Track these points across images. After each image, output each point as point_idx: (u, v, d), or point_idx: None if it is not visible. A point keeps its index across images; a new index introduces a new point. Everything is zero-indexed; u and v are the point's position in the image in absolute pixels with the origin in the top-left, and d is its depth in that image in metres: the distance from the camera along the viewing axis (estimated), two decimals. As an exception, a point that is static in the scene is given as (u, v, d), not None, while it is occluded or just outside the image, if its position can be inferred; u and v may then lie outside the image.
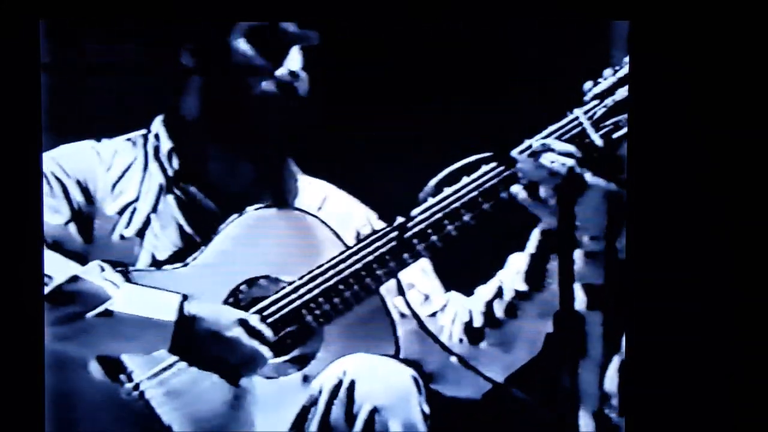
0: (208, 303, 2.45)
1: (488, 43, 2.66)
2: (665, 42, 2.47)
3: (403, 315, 2.54)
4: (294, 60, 2.52)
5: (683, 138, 2.50)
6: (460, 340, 2.57)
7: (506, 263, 2.55)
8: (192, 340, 2.42)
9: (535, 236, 2.51)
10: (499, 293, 2.54)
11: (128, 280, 2.46)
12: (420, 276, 2.58)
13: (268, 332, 2.46)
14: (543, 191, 2.43)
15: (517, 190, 2.43)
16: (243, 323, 2.44)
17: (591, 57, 2.54)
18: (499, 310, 2.54)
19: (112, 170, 2.57)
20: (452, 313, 2.59)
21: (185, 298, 2.43)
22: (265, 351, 2.45)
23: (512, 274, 2.53)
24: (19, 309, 2.46)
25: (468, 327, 2.57)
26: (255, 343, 2.44)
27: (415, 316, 2.53)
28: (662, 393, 2.49)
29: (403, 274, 2.50)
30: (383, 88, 2.67)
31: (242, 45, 2.52)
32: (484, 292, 2.57)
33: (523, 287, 2.52)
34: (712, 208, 2.50)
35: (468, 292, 2.59)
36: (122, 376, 2.46)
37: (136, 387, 2.46)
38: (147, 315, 2.41)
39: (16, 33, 2.46)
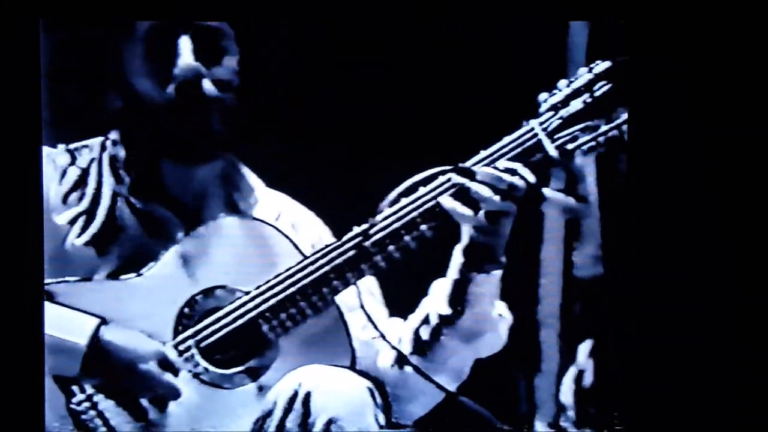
0: (129, 330, 2.44)
1: (444, 53, 2.67)
2: (660, 42, 2.50)
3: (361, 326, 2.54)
4: (186, 52, 2.50)
5: (681, 138, 2.52)
6: (391, 366, 2.56)
7: (429, 290, 2.54)
8: (103, 367, 2.41)
9: (456, 259, 2.49)
10: (425, 320, 2.53)
11: (50, 298, 2.45)
12: (367, 299, 2.57)
13: (185, 366, 2.44)
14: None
15: (446, 201, 2.43)
16: (160, 357, 2.43)
17: (547, 67, 2.56)
18: (425, 337, 2.53)
19: (65, 178, 2.56)
20: (390, 340, 2.58)
21: (104, 322, 2.42)
22: (178, 386, 2.43)
23: (436, 299, 2.52)
24: (19, 307, 2.47)
25: (398, 354, 2.55)
26: (168, 378, 2.43)
27: (375, 328, 2.52)
28: (662, 393, 2.51)
29: (361, 292, 2.50)
30: (342, 99, 2.68)
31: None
32: (412, 318, 2.56)
33: (447, 311, 2.51)
34: (711, 208, 2.53)
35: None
36: (74, 387, 2.44)
37: (89, 398, 2.44)
38: (59, 336, 2.40)
39: (16, 33, 2.46)
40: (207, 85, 2.49)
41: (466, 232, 2.45)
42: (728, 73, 2.53)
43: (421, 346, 2.52)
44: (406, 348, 2.53)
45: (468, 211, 2.41)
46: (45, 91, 2.52)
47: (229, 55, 2.52)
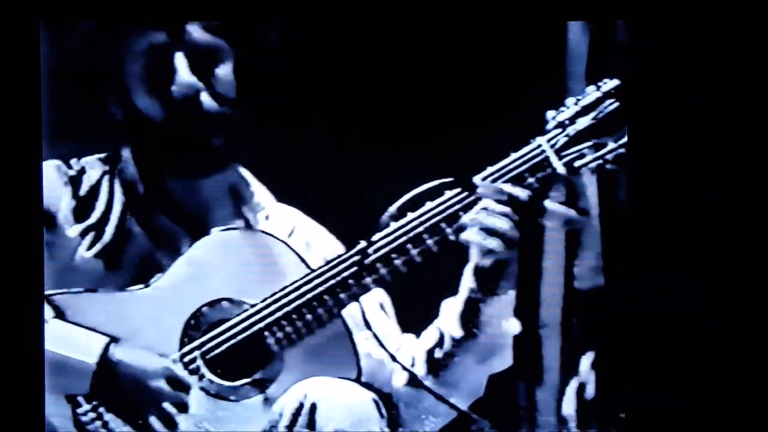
0: (137, 349, 2.44)
1: (452, 67, 2.67)
2: (663, 49, 2.52)
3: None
4: (182, 68, 2.51)
5: (680, 148, 2.54)
6: (405, 385, 2.57)
7: (440, 310, 2.55)
8: (113, 385, 2.41)
9: (467, 279, 2.51)
10: (439, 342, 2.54)
11: (60, 315, 2.45)
12: (378, 315, 2.58)
13: (193, 381, 2.45)
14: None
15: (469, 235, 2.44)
16: (168, 374, 2.44)
17: (553, 86, 2.56)
18: (439, 357, 2.54)
19: (77, 190, 2.56)
20: (403, 357, 2.58)
21: (114, 340, 2.42)
22: (187, 401, 2.45)
23: (449, 320, 2.53)
24: (19, 311, 2.46)
25: (411, 373, 2.56)
26: (179, 395, 2.44)
27: (384, 348, 2.52)
28: (663, 404, 2.53)
29: (365, 310, 2.51)
30: (348, 111, 2.67)
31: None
32: (425, 339, 2.56)
33: (459, 333, 2.52)
34: (711, 218, 2.54)
35: (427, 323, 2.60)
36: (79, 397, 2.45)
37: (95, 408, 2.45)
38: (68, 354, 2.40)
39: (16, 33, 2.45)
40: (205, 98, 2.50)
41: (475, 254, 2.46)
42: (727, 77, 2.54)
43: (435, 367, 2.53)
44: (420, 369, 2.55)
45: (497, 244, 2.42)
46: (45, 93, 2.51)
47: (225, 67, 2.52)
